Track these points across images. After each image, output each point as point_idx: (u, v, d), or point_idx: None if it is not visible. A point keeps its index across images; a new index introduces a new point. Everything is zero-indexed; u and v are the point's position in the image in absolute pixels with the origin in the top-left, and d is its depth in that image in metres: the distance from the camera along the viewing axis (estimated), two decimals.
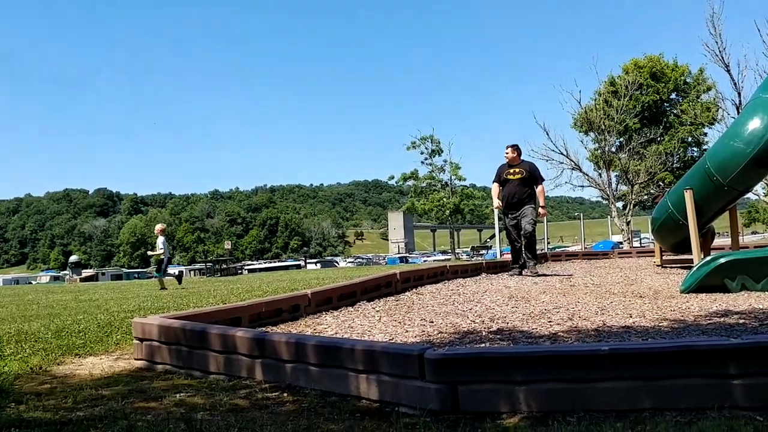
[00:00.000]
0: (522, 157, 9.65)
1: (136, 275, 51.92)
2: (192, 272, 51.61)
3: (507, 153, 9.53)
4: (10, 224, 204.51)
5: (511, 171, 9.40)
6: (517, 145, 9.58)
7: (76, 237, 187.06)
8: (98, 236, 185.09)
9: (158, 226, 13.81)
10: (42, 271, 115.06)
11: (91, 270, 60.64)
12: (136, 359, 3.93)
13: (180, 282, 14.26)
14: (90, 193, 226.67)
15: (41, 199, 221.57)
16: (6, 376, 3.47)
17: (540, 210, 9.71)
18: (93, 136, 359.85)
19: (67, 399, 2.98)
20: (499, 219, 16.48)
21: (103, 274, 50.04)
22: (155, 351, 3.79)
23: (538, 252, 10.17)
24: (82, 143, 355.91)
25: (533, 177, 9.37)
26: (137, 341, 3.94)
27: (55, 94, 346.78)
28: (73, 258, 59.38)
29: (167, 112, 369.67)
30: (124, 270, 69.51)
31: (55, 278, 53.44)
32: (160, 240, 13.26)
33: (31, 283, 48.17)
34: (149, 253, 14.82)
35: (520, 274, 9.35)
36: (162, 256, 13.21)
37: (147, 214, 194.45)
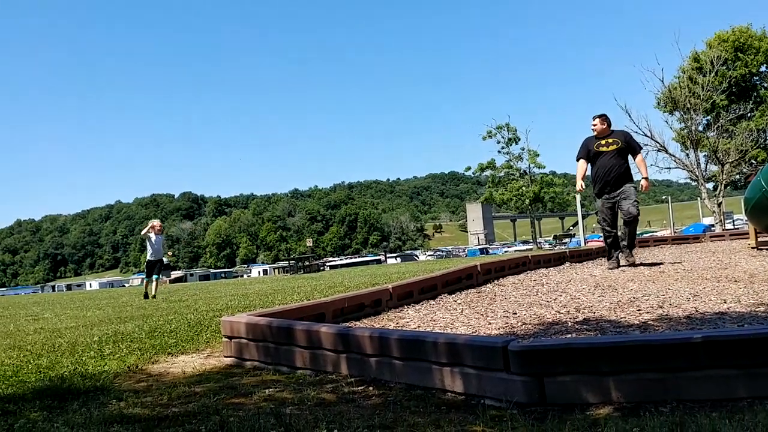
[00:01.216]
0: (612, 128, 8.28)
1: (223, 275, 53.49)
2: (276, 270, 52.79)
3: (595, 125, 8.12)
4: (103, 230, 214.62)
5: (603, 143, 8.03)
6: (605, 115, 8.17)
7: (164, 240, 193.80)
8: (185, 238, 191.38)
9: (156, 223, 12.60)
10: (134, 274, 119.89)
11: (180, 271, 62.75)
12: (225, 356, 4.04)
13: (146, 297, 11.89)
14: (176, 197, 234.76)
15: (130, 204, 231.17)
16: (106, 374, 3.64)
17: (643, 182, 8.21)
18: (177, 142, 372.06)
19: (163, 396, 3.09)
20: (582, 206, 15.70)
21: (192, 275, 51.81)
22: (243, 348, 3.88)
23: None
24: (167, 150, 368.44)
25: (631, 147, 8.09)
26: (226, 339, 4.05)
27: (141, 102, 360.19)
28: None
29: (245, 115, 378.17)
30: (212, 270, 71.70)
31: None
32: (155, 239, 12.27)
33: (124, 285, 50.40)
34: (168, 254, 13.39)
35: (619, 266, 8.07)
36: (150, 257, 12.24)
37: (231, 215, 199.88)
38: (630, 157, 8.12)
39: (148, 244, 12.30)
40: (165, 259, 12.52)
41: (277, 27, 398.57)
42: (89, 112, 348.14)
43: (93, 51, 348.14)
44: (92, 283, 59.62)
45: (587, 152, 8.12)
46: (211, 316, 6.31)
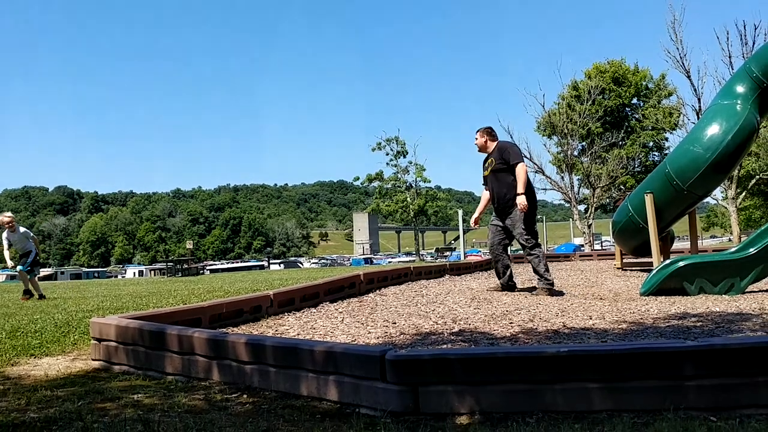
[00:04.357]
0: (499, 139, 7.35)
1: (96, 274, 51.12)
2: (153, 272, 51.03)
3: (476, 140, 7.27)
4: None
5: (486, 164, 7.23)
6: (487, 128, 7.25)
7: (34, 235, 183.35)
8: (57, 234, 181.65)
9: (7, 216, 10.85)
10: None
11: (50, 269, 59.46)
12: (93, 360, 3.87)
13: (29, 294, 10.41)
14: (50, 190, 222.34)
15: None
16: None
17: (519, 200, 6.73)
18: (53, 133, 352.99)
19: (21, 400, 2.91)
20: (464, 221, 15.65)
21: (62, 273, 49.18)
22: (113, 352, 3.73)
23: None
24: (41, 140, 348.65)
25: (506, 161, 6.92)
26: (95, 342, 3.88)
27: (13, 85, 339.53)
28: None
29: (128, 108, 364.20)
30: (84, 269, 68.39)
31: (12, 277, 52.28)
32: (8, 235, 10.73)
33: None
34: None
35: (504, 290, 7.21)
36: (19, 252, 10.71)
37: (108, 212, 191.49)
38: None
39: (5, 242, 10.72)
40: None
41: (168, 20, 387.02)
42: None
43: None
44: None
45: (483, 177, 7.35)
46: (81, 317, 6.03)
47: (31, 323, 5.63)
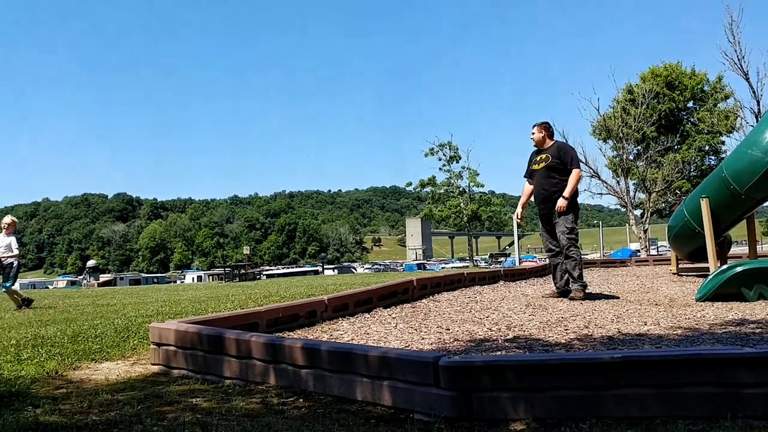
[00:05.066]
0: (556, 138, 7.39)
1: (155, 280, 52.32)
2: (210, 277, 51.95)
3: (532, 134, 7.28)
4: (28, 228, 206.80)
5: (538, 158, 7.23)
6: (545, 123, 7.30)
7: (94, 242, 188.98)
8: (117, 241, 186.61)
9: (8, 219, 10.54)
10: (59, 275, 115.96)
11: (109, 275, 61.16)
12: (152, 364, 3.94)
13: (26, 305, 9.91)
14: (109, 197, 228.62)
15: (59, 203, 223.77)
16: (23, 380, 3.50)
17: (559, 201, 6.87)
18: (112, 141, 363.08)
19: (83, 403, 2.99)
20: (518, 226, 15.39)
21: (122, 278, 50.47)
22: (172, 356, 3.80)
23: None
24: (100, 148, 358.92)
25: (563, 162, 7.00)
26: (154, 346, 3.96)
27: (76, 97, 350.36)
28: (90, 263, 60.03)
29: (186, 116, 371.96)
30: (143, 275, 70.09)
31: (72, 283, 54.04)
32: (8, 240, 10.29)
33: (47, 287, 48.74)
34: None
35: (560, 296, 7.07)
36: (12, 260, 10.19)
37: (167, 218, 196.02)
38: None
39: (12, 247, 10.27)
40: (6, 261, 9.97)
41: (220, 33, 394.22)
42: (17, 104, 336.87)
43: (22, 45, 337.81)
44: None
45: (528, 170, 7.40)
46: (140, 321, 6.16)
47: (92, 328, 5.78)
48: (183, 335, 3.75)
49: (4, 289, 9.93)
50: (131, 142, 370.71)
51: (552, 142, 7.24)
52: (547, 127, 7.27)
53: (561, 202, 6.86)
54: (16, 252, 10.18)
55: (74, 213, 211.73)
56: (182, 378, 3.62)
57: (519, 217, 7.89)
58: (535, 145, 7.31)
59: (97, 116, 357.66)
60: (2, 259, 10.03)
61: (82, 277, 59.04)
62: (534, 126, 7.30)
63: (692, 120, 37.52)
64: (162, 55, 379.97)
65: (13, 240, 10.27)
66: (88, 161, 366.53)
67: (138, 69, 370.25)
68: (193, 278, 54.11)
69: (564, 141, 7.47)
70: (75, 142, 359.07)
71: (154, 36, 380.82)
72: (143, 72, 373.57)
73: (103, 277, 49.60)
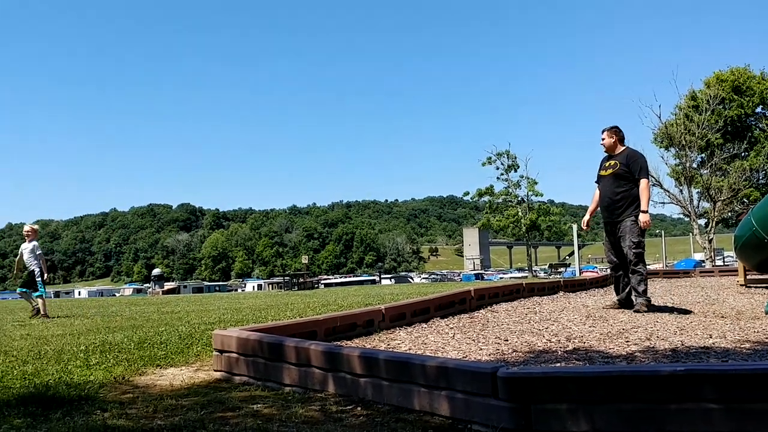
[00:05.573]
0: (626, 144, 7.14)
1: (217, 288, 53.36)
2: (270, 285, 52.70)
3: (603, 139, 7.07)
4: (96, 238, 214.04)
5: (606, 164, 7.03)
6: (615, 128, 7.07)
7: (159, 251, 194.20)
8: (180, 250, 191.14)
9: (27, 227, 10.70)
10: (125, 283, 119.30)
11: (173, 283, 62.64)
12: (215, 371, 4.03)
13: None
14: (173, 208, 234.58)
15: (126, 213, 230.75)
16: (92, 384, 3.63)
17: (641, 217, 6.66)
18: (177, 153, 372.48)
19: (148, 408, 3.08)
20: (578, 236, 15.06)
21: (185, 286, 51.63)
22: (234, 363, 3.88)
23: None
24: (165, 160, 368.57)
25: (631, 171, 6.78)
26: (217, 353, 4.04)
27: (141, 112, 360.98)
28: (156, 271, 61.69)
29: (250, 129, 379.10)
30: (206, 283, 71.59)
31: (138, 291, 55.66)
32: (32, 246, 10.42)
33: (114, 295, 50.22)
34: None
35: (621, 307, 6.88)
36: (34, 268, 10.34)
37: (228, 228, 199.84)
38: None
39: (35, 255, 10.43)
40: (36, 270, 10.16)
41: (282, 42, 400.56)
42: (87, 116, 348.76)
43: (90, 55, 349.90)
44: (81, 291, 59.37)
45: (597, 175, 7.18)
46: (203, 329, 6.30)
47: (157, 335, 5.95)
48: (244, 342, 3.82)
49: (36, 295, 10.19)
50: (195, 153, 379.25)
51: (623, 148, 7.03)
52: (617, 132, 7.06)
53: (644, 218, 6.65)
54: (39, 253, 10.36)
55: (140, 223, 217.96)
56: (243, 384, 3.69)
57: (586, 224, 7.80)
58: (605, 151, 7.11)
59: (163, 129, 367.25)
60: (27, 266, 10.31)
61: (147, 285, 60.76)
62: (604, 131, 7.11)
63: (761, 126, 36.28)
64: (232, 71, 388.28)
65: (35, 245, 10.45)
66: (153, 172, 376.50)
67: (201, 85, 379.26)
68: (253, 287, 55.03)
69: (635, 149, 7.15)
70: (142, 154, 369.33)
71: (229, 55, 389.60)
72: (207, 83, 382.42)
73: (168, 285, 50.89)
